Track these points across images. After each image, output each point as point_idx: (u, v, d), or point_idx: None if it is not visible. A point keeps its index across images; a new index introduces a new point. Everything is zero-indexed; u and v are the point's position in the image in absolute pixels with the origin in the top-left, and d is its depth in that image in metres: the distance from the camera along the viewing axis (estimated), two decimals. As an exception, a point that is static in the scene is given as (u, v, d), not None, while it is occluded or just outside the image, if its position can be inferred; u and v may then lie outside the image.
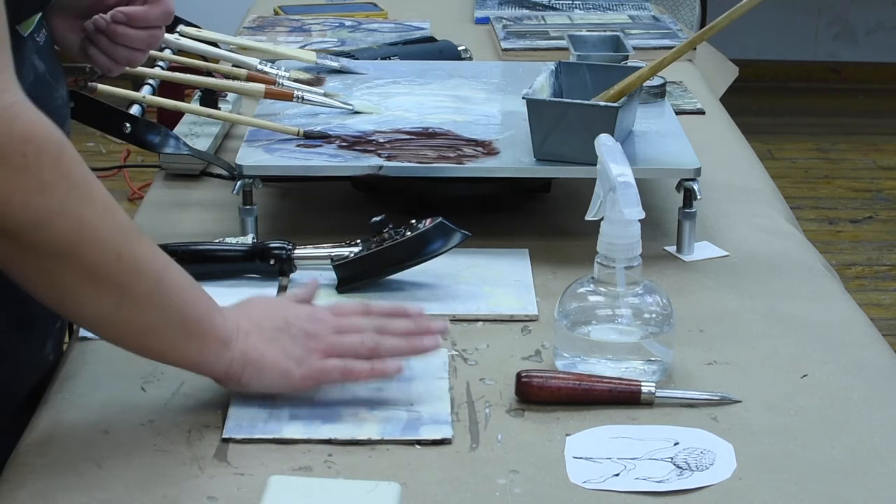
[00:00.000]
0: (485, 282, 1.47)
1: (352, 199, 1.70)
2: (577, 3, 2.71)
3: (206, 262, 1.46)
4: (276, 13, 2.63)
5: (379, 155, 1.58)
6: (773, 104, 5.28)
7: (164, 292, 1.12)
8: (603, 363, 1.26)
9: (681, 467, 1.13)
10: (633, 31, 2.44)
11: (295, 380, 1.18)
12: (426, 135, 1.65)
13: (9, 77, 1.05)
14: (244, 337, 1.17)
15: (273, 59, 1.92)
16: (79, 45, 1.39)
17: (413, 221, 1.45)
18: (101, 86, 1.61)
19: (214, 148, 1.86)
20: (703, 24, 4.09)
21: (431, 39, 2.31)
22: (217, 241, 1.51)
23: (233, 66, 1.81)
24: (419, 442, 1.16)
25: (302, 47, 2.14)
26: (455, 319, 1.40)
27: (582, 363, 1.26)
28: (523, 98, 1.54)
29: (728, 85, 2.58)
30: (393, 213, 1.48)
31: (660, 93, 1.84)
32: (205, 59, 1.82)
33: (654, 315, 1.26)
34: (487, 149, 1.60)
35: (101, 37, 1.37)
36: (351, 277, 1.44)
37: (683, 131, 1.66)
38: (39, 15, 1.27)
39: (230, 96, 1.99)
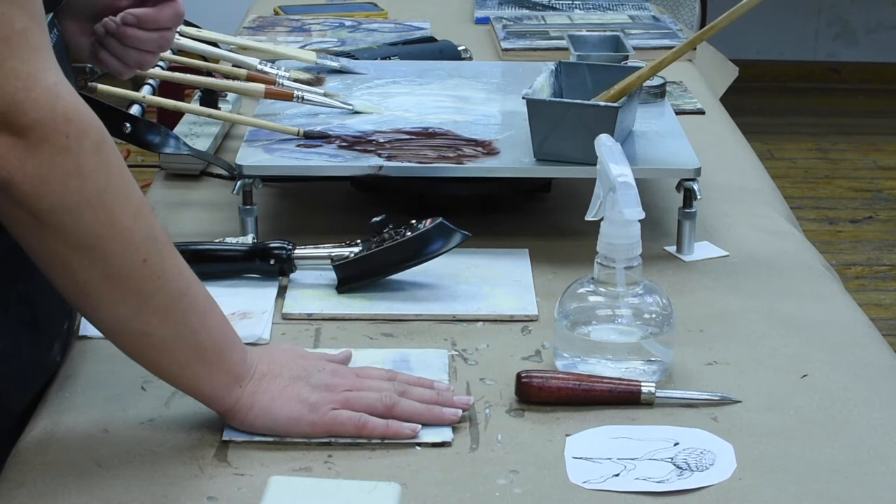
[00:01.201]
0: (485, 282, 1.47)
1: (352, 199, 1.70)
2: (577, 3, 2.71)
3: (206, 262, 1.46)
4: (276, 13, 2.63)
5: (379, 155, 1.58)
6: (773, 104, 5.28)
7: (184, 310, 1.10)
8: (603, 363, 1.26)
9: (681, 467, 1.13)
10: (633, 31, 2.44)
11: (304, 425, 1.15)
12: (426, 135, 1.65)
13: (50, 56, 1.04)
14: (258, 379, 1.15)
15: (273, 59, 1.92)
16: (89, 49, 1.39)
17: (413, 221, 1.45)
18: (101, 86, 1.61)
19: (214, 148, 1.86)
20: (703, 24, 4.09)
21: (431, 39, 2.31)
22: (217, 241, 1.51)
23: (233, 66, 1.81)
24: (419, 444, 1.16)
25: (302, 47, 2.14)
26: (455, 319, 1.40)
27: (582, 363, 1.26)
28: (523, 98, 1.54)
29: (728, 85, 2.59)
30: (393, 213, 1.48)
31: (660, 93, 1.84)
32: (205, 59, 1.82)
33: (654, 315, 1.26)
34: (487, 149, 1.60)
35: (112, 39, 1.36)
36: (351, 277, 1.44)
37: (683, 131, 1.66)
38: (50, 15, 1.26)
39: (230, 96, 1.99)
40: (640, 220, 1.24)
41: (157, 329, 1.09)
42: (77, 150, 1.02)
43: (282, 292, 1.44)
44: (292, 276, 1.47)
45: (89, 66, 1.44)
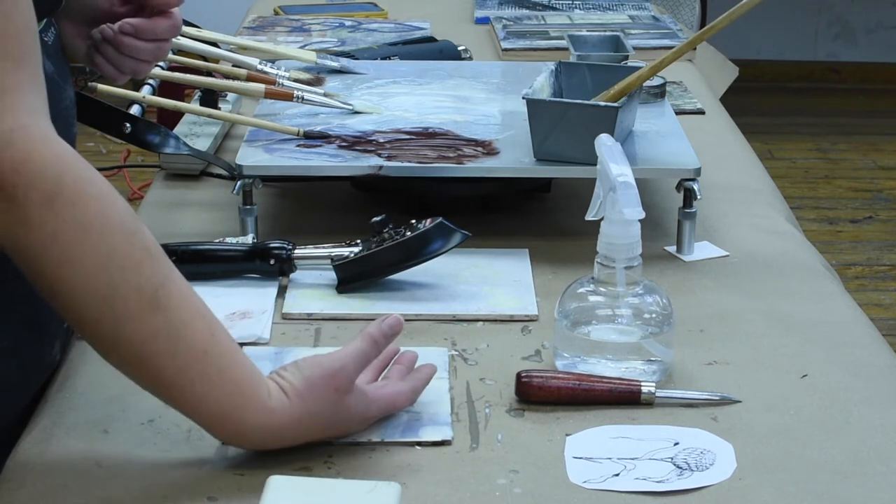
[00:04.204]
0: (485, 282, 1.47)
1: (352, 199, 1.70)
2: (577, 3, 2.71)
3: (206, 262, 1.46)
4: (276, 13, 2.63)
5: (379, 155, 1.58)
6: (773, 104, 5.28)
7: (141, 374, 1.09)
8: (603, 363, 1.26)
9: (681, 467, 1.13)
10: (633, 31, 2.44)
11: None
12: (426, 135, 1.65)
13: (18, 100, 1.03)
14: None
15: (273, 59, 1.92)
16: (85, 52, 1.39)
17: (413, 221, 1.45)
18: (101, 86, 1.61)
19: (214, 148, 1.86)
20: (703, 24, 4.09)
21: (431, 39, 2.31)
22: (217, 241, 1.51)
23: (233, 66, 1.81)
24: (419, 443, 1.16)
25: (302, 47, 2.14)
26: (455, 319, 1.40)
27: (582, 363, 1.26)
28: (523, 98, 1.54)
29: (728, 85, 2.59)
30: (393, 213, 1.48)
31: (660, 93, 1.84)
32: (205, 59, 1.82)
33: (654, 315, 1.26)
34: (487, 149, 1.60)
35: (108, 46, 1.36)
36: (351, 277, 1.44)
37: (683, 131, 1.66)
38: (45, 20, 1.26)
39: (230, 96, 1.99)
40: (640, 220, 1.24)
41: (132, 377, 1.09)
42: (23, 200, 1.01)
43: (282, 292, 1.44)
44: (292, 276, 1.47)
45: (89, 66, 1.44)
